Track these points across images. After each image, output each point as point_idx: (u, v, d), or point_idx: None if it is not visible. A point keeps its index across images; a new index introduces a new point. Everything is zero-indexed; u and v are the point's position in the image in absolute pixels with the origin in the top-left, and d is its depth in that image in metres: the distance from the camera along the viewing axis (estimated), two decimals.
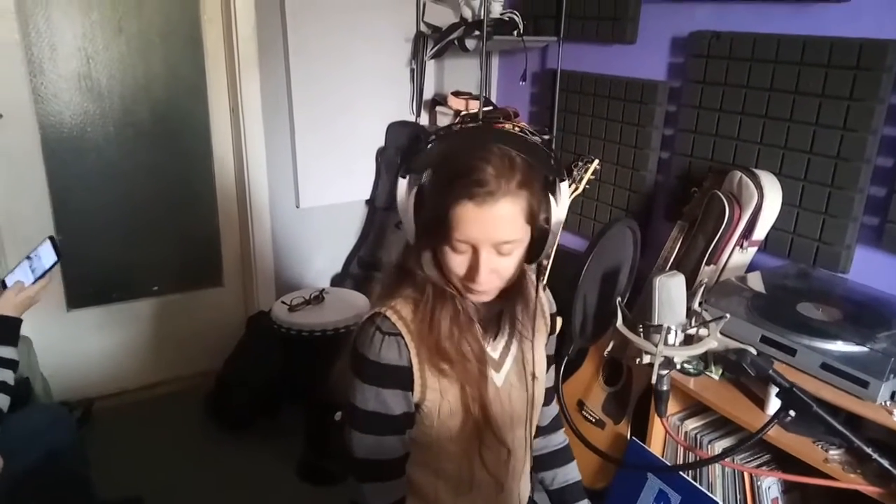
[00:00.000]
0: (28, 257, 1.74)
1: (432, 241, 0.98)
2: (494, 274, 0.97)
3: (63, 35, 2.51)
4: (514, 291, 1.05)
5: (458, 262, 0.96)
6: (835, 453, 1.49)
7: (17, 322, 1.63)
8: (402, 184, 0.97)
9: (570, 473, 1.31)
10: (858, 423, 1.44)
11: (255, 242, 2.97)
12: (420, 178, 0.96)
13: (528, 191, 0.93)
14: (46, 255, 1.72)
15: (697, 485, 1.75)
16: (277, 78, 2.82)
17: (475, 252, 0.94)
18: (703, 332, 0.88)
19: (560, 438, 1.32)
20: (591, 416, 2.15)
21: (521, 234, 0.95)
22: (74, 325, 2.79)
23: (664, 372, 0.90)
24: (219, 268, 3.06)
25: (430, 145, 0.96)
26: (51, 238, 1.74)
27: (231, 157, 2.93)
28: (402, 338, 1.00)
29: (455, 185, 0.91)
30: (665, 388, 0.92)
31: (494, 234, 0.93)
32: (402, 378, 1.01)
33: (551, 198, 0.96)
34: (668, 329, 0.87)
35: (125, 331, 2.91)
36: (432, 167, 0.96)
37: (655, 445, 1.89)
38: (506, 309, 1.08)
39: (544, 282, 1.10)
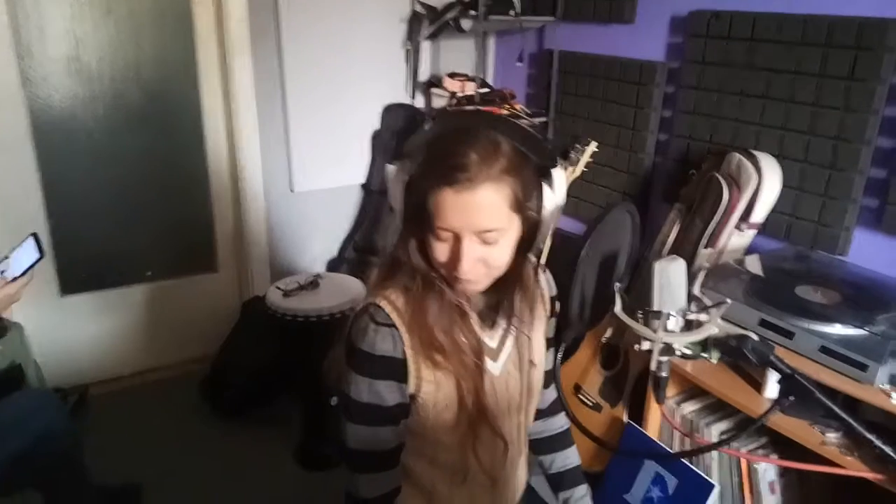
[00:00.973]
0: (8, 255, 1.73)
1: (417, 228, 0.96)
2: (481, 263, 0.94)
3: (51, 17, 2.46)
4: (511, 279, 1.03)
5: (441, 251, 0.94)
6: (832, 436, 1.48)
7: None
8: (391, 169, 0.95)
9: (570, 458, 1.30)
10: (855, 406, 1.44)
11: (249, 227, 2.95)
12: (409, 163, 0.94)
13: (514, 178, 0.90)
14: (28, 253, 1.71)
15: (694, 468, 1.75)
16: (270, 60, 2.78)
17: (458, 240, 0.92)
18: (703, 317, 0.87)
19: (560, 422, 1.31)
20: (588, 399, 2.15)
21: (505, 223, 0.92)
22: (68, 310, 2.78)
23: (664, 358, 0.89)
24: (213, 253, 3.04)
25: (422, 130, 0.94)
26: (34, 235, 1.73)
27: (224, 141, 2.90)
28: (397, 329, 0.98)
29: (436, 171, 0.89)
30: (664, 374, 0.90)
31: (475, 221, 0.90)
32: (396, 369, 0.99)
33: (545, 186, 0.93)
34: (668, 315, 0.85)
35: (119, 316, 2.89)
36: (421, 152, 0.94)
37: (652, 429, 1.89)
38: (504, 297, 1.06)
39: (542, 263, 1.08)
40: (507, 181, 0.89)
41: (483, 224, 0.90)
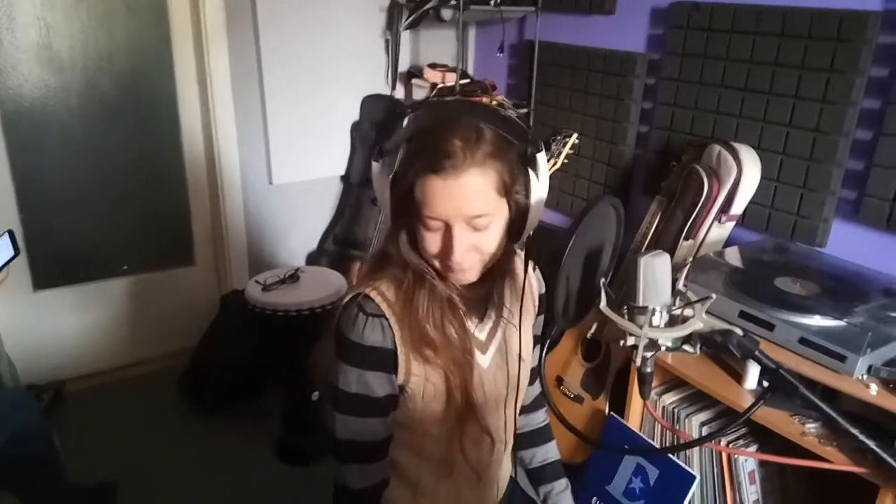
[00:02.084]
0: None
1: (405, 220, 0.95)
2: (473, 251, 0.94)
3: (20, 3, 2.40)
4: (501, 272, 1.03)
5: (432, 241, 0.93)
6: (811, 427, 1.50)
7: None
8: (376, 166, 0.94)
9: (549, 453, 1.31)
10: (834, 396, 1.45)
11: (226, 220, 2.91)
12: (393, 158, 0.92)
13: (499, 162, 0.90)
14: (3, 250, 1.69)
15: (675, 458, 1.76)
16: (247, 49, 2.74)
17: (448, 229, 0.91)
18: (688, 312, 0.86)
19: (541, 417, 1.32)
20: (569, 392, 2.16)
21: (493, 208, 0.92)
22: (41, 305, 2.72)
23: (649, 354, 0.88)
24: (190, 246, 3.00)
25: (402, 124, 0.92)
26: (9, 232, 1.71)
27: (200, 132, 2.85)
28: (386, 319, 0.97)
29: (420, 159, 0.89)
30: (649, 370, 0.90)
31: (464, 207, 0.90)
32: (385, 360, 0.98)
33: (530, 171, 0.93)
34: (654, 310, 0.85)
35: (95, 311, 2.85)
36: (404, 144, 0.93)
37: (634, 420, 1.90)
38: (493, 290, 1.05)
39: (531, 260, 1.08)
40: (493, 165, 0.89)
41: (472, 210, 0.90)
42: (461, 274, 0.97)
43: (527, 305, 1.11)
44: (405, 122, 0.93)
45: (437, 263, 0.97)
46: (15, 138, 2.50)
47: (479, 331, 1.06)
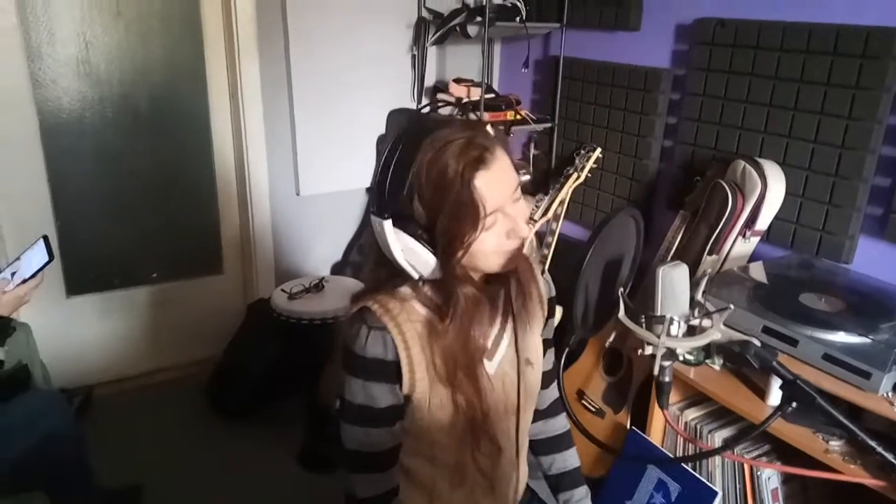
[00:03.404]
0: (19, 257, 1.74)
1: (464, 242, 0.94)
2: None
3: (61, 19, 2.48)
4: (511, 275, 1.04)
5: (495, 237, 0.96)
6: (835, 444, 1.48)
7: (5, 322, 1.63)
8: (389, 228, 0.92)
9: (569, 460, 1.30)
10: (859, 415, 1.44)
11: (254, 230, 2.96)
12: (412, 194, 0.92)
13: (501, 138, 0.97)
14: (39, 255, 1.72)
15: (697, 475, 1.75)
16: (277, 63, 2.80)
17: (504, 214, 0.95)
18: (706, 322, 0.87)
19: (560, 424, 1.31)
20: (591, 405, 2.15)
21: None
22: (74, 311, 2.79)
23: (666, 363, 0.89)
24: (218, 255, 3.05)
25: (408, 167, 0.92)
26: (44, 238, 1.74)
27: (230, 144, 2.91)
28: (389, 332, 0.98)
29: (461, 165, 0.90)
30: (667, 379, 0.91)
31: (510, 181, 0.95)
32: (388, 372, 1.00)
33: None
34: (672, 320, 0.86)
35: (125, 318, 2.91)
36: (418, 186, 0.92)
37: (655, 435, 1.89)
38: (499, 291, 1.07)
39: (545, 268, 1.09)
40: (501, 140, 0.97)
41: (514, 180, 0.96)
42: (519, 254, 1.00)
43: (535, 311, 1.12)
44: (409, 162, 0.92)
45: (494, 261, 0.98)
46: (53, 148, 2.58)
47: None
